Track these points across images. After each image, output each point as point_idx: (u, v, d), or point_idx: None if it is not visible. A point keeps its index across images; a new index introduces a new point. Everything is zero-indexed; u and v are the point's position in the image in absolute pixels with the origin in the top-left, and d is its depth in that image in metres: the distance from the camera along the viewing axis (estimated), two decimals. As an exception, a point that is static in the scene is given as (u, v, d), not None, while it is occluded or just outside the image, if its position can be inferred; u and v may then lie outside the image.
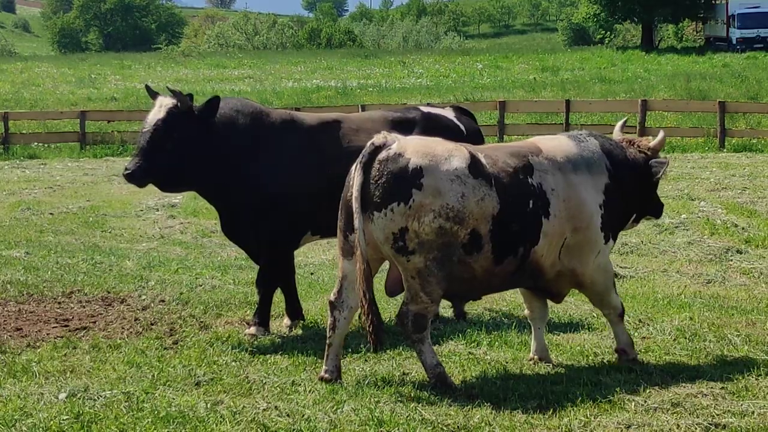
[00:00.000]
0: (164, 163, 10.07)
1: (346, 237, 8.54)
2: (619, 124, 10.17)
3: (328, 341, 8.77)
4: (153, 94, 10.48)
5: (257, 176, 10.34)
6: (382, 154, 8.34)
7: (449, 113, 11.34)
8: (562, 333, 10.48)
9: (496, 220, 8.45)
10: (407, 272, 8.36)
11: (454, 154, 8.44)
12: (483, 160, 8.56)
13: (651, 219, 10.28)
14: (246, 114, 10.49)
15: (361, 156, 8.40)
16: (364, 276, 8.29)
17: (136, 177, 10.04)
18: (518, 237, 8.62)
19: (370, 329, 8.39)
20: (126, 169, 10.06)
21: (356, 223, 8.28)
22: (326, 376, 8.69)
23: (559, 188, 8.85)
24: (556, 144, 9.21)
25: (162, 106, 10.15)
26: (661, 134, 9.87)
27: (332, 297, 8.72)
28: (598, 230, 9.06)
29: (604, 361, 9.46)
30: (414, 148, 8.37)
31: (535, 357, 9.43)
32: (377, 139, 8.47)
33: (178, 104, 10.12)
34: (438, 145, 8.53)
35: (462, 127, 11.15)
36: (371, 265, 8.45)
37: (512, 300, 11.72)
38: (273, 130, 10.50)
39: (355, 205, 8.27)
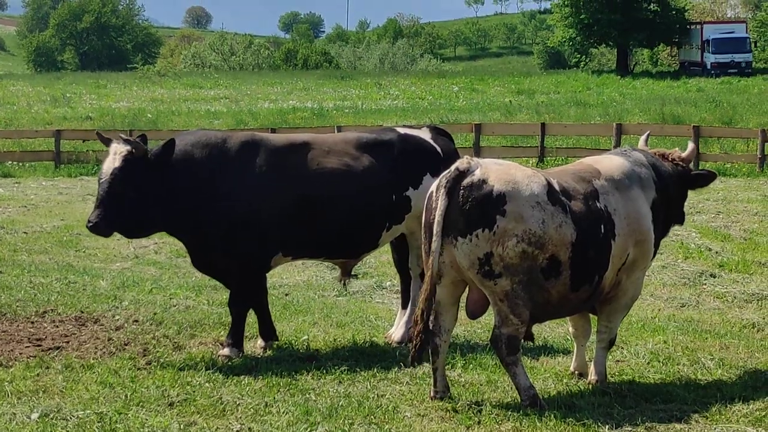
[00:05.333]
0: (126, 212, 10.04)
1: None
2: (644, 137, 10.30)
3: (432, 366, 8.91)
4: (105, 141, 10.38)
5: (222, 207, 10.28)
6: (466, 181, 8.47)
7: (426, 134, 11.31)
8: (536, 356, 10.48)
9: (575, 247, 8.60)
10: (495, 296, 8.51)
11: (533, 181, 8.56)
12: (557, 187, 8.69)
13: (675, 225, 10.40)
14: (203, 146, 10.38)
15: (444, 180, 8.51)
16: (428, 296, 8.49)
17: (101, 229, 10.04)
18: (594, 264, 8.81)
19: (416, 344, 8.58)
20: (89, 221, 10.01)
21: (434, 245, 8.42)
22: (437, 396, 8.88)
23: (619, 207, 9.05)
24: (611, 163, 9.42)
25: (117, 153, 10.05)
26: (690, 145, 10.18)
27: (430, 325, 8.80)
28: (652, 242, 9.33)
29: (579, 383, 9.48)
30: (496, 175, 8.49)
31: (576, 372, 9.69)
32: (461, 164, 8.59)
33: (133, 151, 10.03)
34: (518, 171, 8.65)
35: (438, 148, 11.14)
36: (455, 288, 8.74)
37: (486, 322, 11.72)
38: (234, 158, 10.41)
39: (437, 229, 8.41)
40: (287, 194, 10.40)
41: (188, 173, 10.24)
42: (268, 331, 10.94)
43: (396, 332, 11.27)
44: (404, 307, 11.40)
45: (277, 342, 10.94)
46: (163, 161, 10.13)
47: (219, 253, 10.44)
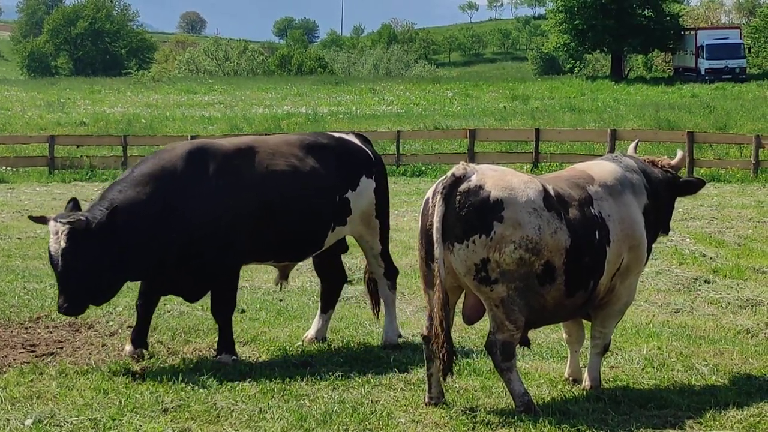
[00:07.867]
0: (90, 284, 9.76)
1: (429, 267, 8.66)
2: (633, 144, 10.35)
3: (427, 372, 8.92)
4: (39, 221, 10.05)
5: (183, 233, 10.10)
6: (463, 186, 8.45)
7: (355, 139, 11.38)
8: (530, 361, 10.48)
9: (569, 254, 8.61)
10: (491, 302, 8.50)
11: (530, 186, 8.57)
12: (552, 193, 8.70)
13: (661, 235, 10.44)
14: (146, 183, 10.06)
15: (441, 186, 8.49)
16: (442, 305, 8.43)
17: (74, 312, 9.92)
18: (589, 270, 8.83)
19: (444, 358, 8.48)
20: (60, 308, 9.74)
21: (437, 252, 8.38)
22: (432, 402, 8.88)
23: (613, 212, 9.07)
24: (603, 168, 9.44)
25: (59, 233, 9.62)
26: (680, 153, 10.21)
27: (424, 331, 8.85)
28: (645, 247, 9.36)
29: (573, 389, 9.48)
30: (493, 181, 8.48)
31: (570, 378, 9.72)
32: (457, 169, 8.57)
33: (74, 226, 9.60)
34: (514, 177, 8.65)
35: (370, 153, 11.26)
36: (451, 294, 8.70)
37: (481, 328, 11.72)
38: (182, 174, 10.18)
39: (436, 236, 8.39)
40: (244, 199, 10.32)
41: (140, 215, 9.93)
42: (143, 337, 10.64)
43: (310, 332, 11.45)
44: (323, 311, 11.51)
45: (146, 350, 10.60)
46: (109, 229, 9.70)
47: (190, 269, 10.31)
